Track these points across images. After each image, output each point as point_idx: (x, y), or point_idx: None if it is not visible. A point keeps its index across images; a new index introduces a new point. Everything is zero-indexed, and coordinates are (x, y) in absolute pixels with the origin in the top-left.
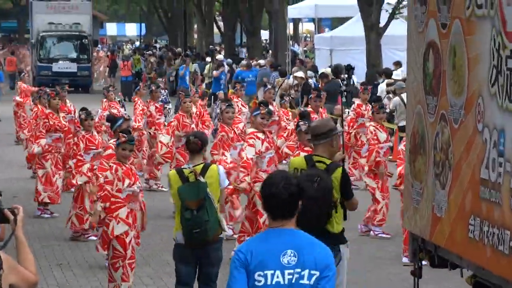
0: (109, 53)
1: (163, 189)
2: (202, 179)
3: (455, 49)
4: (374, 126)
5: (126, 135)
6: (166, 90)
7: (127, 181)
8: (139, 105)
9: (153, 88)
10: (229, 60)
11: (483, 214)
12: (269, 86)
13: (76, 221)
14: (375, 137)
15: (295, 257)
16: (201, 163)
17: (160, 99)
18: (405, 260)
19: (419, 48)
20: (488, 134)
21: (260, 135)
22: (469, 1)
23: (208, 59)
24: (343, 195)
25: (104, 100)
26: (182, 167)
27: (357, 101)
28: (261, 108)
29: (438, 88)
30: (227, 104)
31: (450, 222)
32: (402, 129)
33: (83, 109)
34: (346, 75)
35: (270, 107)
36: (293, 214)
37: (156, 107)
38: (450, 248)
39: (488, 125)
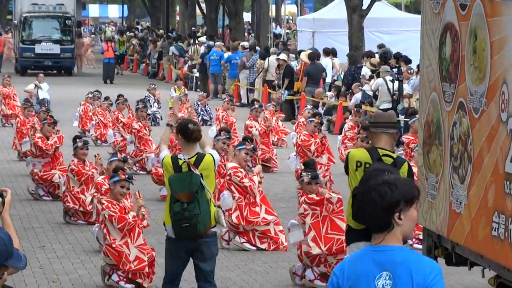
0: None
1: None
2: (196, 171)
3: (475, 32)
4: None
5: (125, 173)
6: (159, 102)
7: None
8: (120, 118)
9: (140, 106)
10: (211, 42)
11: (508, 211)
12: (256, 105)
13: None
14: None
15: (390, 280)
16: (195, 155)
17: (147, 116)
18: None
19: (434, 31)
20: None
21: (242, 171)
22: None
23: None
24: None
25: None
26: (178, 156)
27: (349, 122)
28: (246, 144)
29: (456, 74)
30: (227, 136)
31: (470, 218)
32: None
33: (79, 137)
34: (396, 63)
35: (257, 124)
36: (390, 226)
37: (140, 126)
38: (470, 246)
39: None
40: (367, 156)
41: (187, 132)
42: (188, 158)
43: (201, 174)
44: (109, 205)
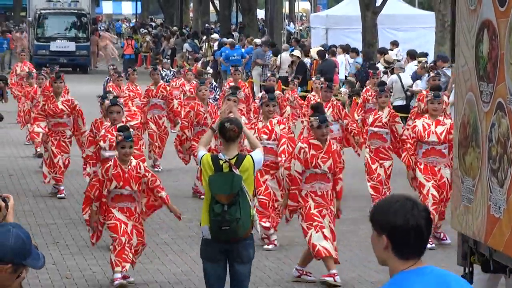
0: None
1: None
2: (237, 172)
3: None
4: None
5: (122, 133)
6: (171, 70)
7: (114, 183)
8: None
9: (151, 70)
10: (225, 39)
11: None
12: (269, 74)
13: None
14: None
15: None
16: (236, 156)
17: (164, 79)
18: None
19: (470, 29)
20: None
21: (259, 124)
22: None
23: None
24: None
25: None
26: (218, 156)
27: (368, 85)
28: (263, 96)
29: (495, 73)
30: (230, 92)
31: (510, 224)
32: (396, 109)
33: (109, 92)
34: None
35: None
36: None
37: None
38: (509, 253)
39: None
40: None
41: (222, 131)
42: (229, 159)
43: None
44: (111, 165)
